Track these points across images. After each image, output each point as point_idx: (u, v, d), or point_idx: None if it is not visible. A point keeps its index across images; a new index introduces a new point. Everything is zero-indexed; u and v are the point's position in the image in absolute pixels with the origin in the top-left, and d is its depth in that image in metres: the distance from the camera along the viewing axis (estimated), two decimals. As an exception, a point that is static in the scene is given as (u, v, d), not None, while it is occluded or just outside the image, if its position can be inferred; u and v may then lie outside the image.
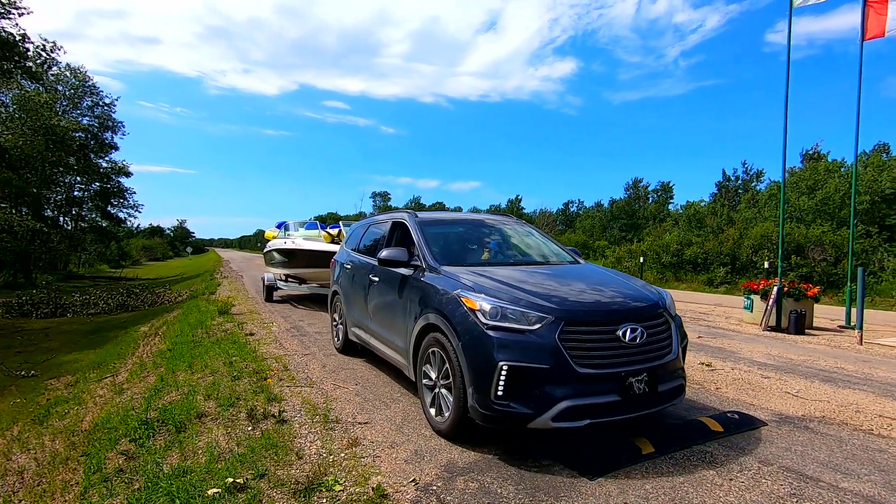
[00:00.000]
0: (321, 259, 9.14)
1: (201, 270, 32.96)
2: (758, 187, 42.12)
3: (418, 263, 4.09)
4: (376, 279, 4.77)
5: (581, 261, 4.76)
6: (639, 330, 3.21)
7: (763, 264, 18.58)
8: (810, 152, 38.29)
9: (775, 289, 8.70)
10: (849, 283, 9.49)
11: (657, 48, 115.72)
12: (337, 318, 6.17)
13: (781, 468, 3.06)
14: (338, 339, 6.11)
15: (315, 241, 10.32)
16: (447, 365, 3.37)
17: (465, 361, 3.17)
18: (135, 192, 39.00)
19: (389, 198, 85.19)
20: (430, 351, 3.63)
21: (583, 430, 3.10)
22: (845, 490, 2.81)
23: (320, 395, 4.46)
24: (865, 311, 8.71)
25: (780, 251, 9.74)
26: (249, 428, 3.72)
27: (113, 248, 50.25)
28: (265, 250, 13.40)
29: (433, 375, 3.62)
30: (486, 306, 3.21)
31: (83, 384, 7.10)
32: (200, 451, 3.35)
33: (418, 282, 3.95)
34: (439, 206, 71.22)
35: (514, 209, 59.07)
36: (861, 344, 7.40)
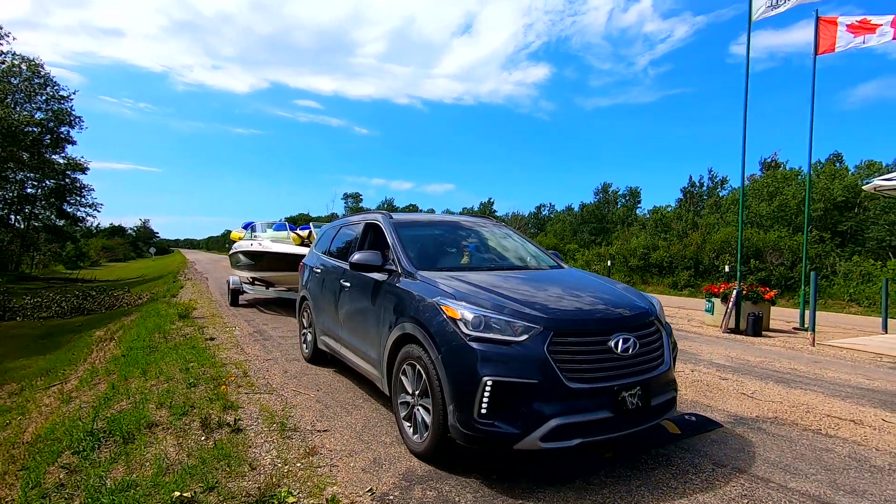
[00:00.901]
0: (290, 262, 8.79)
1: (164, 272, 31.88)
2: (721, 193, 43.58)
3: (393, 268, 3.84)
4: (347, 284, 4.48)
5: (564, 265, 4.52)
6: (631, 340, 2.99)
7: (724, 268, 19.19)
8: (769, 161, 39.90)
9: (735, 292, 8.98)
10: (803, 287, 9.88)
11: (628, 56, 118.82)
12: (306, 326, 5.81)
13: (735, 469, 3.13)
14: (306, 348, 5.78)
15: (283, 244, 9.89)
16: (425, 380, 3.09)
17: (445, 376, 2.90)
18: (93, 190, 37.42)
19: (361, 199, 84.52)
20: (406, 364, 3.35)
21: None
22: (793, 490, 2.89)
23: (279, 402, 4.34)
24: (818, 313, 9.08)
25: (738, 255, 10.07)
26: (202, 438, 3.57)
27: (69, 248, 48.16)
28: (230, 252, 12.91)
29: (410, 390, 3.33)
30: (468, 315, 2.95)
31: (29, 392, 6.72)
32: (148, 464, 3.20)
33: (393, 288, 3.67)
34: (412, 208, 70.99)
35: (486, 212, 59.35)
36: (813, 345, 7.70)
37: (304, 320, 5.89)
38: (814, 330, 7.95)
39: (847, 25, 10.31)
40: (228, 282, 11.22)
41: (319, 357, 5.55)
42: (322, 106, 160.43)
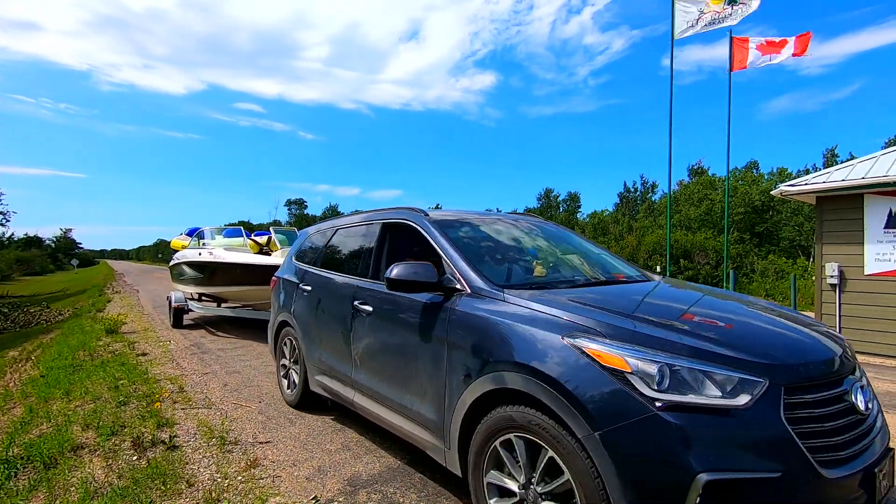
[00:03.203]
0: (249, 275, 7.36)
1: (89, 285, 29.66)
2: (653, 198, 46.24)
3: (455, 285, 2.67)
4: (368, 309, 3.26)
5: (655, 277, 3.41)
6: (868, 389, 2.15)
7: (656, 268, 20.42)
8: (695, 167, 42.81)
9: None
10: (724, 284, 10.72)
11: (569, 67, 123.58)
12: (288, 361, 4.54)
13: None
14: (290, 390, 4.48)
15: (240, 252, 8.34)
16: (564, 473, 1.96)
17: (612, 472, 1.79)
18: (3, 195, 34.25)
19: (306, 206, 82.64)
20: (506, 436, 2.19)
21: None
22: None
23: (219, 417, 4.20)
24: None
25: (668, 255, 10.77)
26: (134, 458, 3.40)
27: (-24, 261, 43.70)
28: (172, 263, 11.06)
29: (521, 479, 2.17)
30: (646, 365, 1.83)
31: (-71, 422, 6.07)
32: (73, 489, 3.01)
33: (466, 316, 2.49)
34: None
35: (433, 218, 59.59)
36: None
37: (284, 352, 4.61)
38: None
39: (757, 45, 11.36)
40: (169, 299, 9.43)
41: (310, 402, 4.28)
42: (264, 110, 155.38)
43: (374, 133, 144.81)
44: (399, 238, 3.56)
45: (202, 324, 9.64)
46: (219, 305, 9.08)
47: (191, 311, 9.23)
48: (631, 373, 1.84)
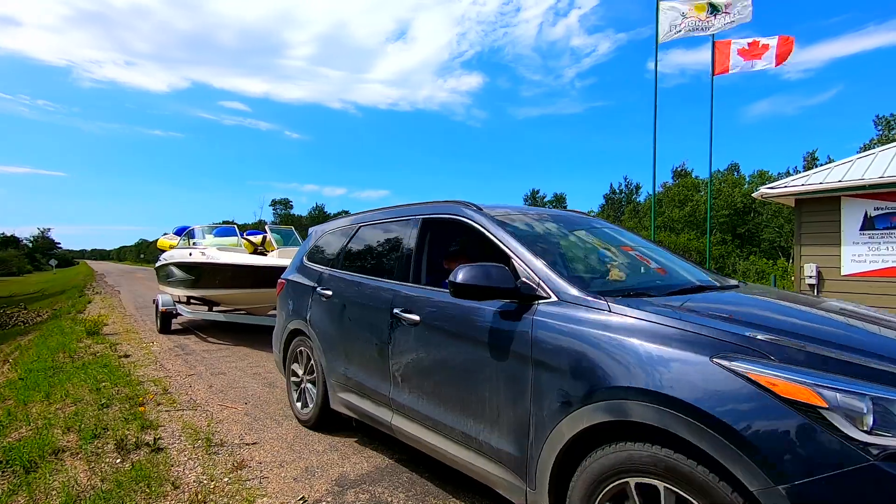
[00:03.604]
0: (247, 276, 6.94)
1: (68, 286, 29.05)
2: (638, 199, 46.81)
3: (539, 292, 2.22)
4: (414, 318, 2.77)
5: (733, 281, 3.02)
6: None
7: (641, 269, 20.68)
8: (679, 169, 43.44)
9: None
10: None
11: (556, 69, 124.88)
12: (300, 374, 4.05)
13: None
14: (307, 407, 3.95)
15: (235, 252, 7.88)
16: None
17: None
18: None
19: (291, 206, 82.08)
20: (624, 481, 1.76)
21: None
22: None
23: (204, 418, 4.16)
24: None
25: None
26: (118, 460, 3.36)
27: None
28: (159, 264, 10.41)
29: None
30: (849, 399, 1.43)
31: None
32: (55, 493, 2.96)
33: (555, 329, 2.06)
34: (345, 215, 69.78)
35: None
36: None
37: (295, 365, 4.12)
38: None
39: (738, 49, 11.57)
40: (156, 302, 8.79)
41: (330, 421, 3.79)
42: (250, 108, 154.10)
43: (361, 133, 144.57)
44: (443, 236, 3.21)
45: (192, 329, 9.15)
46: (210, 309, 8.60)
47: (179, 315, 8.54)
48: (828, 408, 1.42)
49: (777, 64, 11.00)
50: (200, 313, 8.39)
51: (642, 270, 2.99)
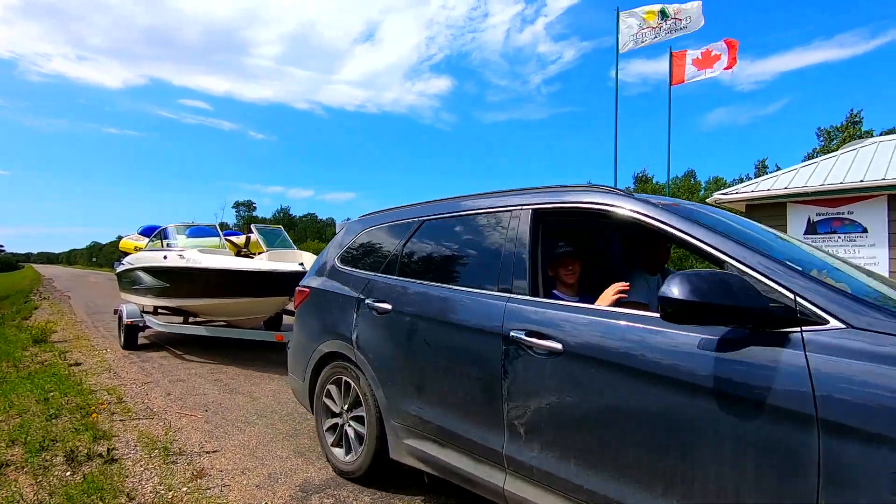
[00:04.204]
0: (237, 284, 6.08)
1: (11, 291, 27.39)
2: (601, 204, 47.99)
3: (810, 316, 1.50)
4: (552, 346, 2.01)
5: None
6: None
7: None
8: (640, 175, 44.93)
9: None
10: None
11: (522, 74, 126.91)
12: (339, 410, 3.17)
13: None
14: (351, 453, 3.04)
15: (222, 255, 6.80)
16: None
17: None
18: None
19: (255, 207, 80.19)
20: None
21: None
22: None
23: (162, 427, 4.03)
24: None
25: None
26: (68, 473, 3.21)
27: None
28: (122, 269, 9.09)
29: None
30: None
31: None
32: (-3, 509, 2.81)
33: (866, 378, 1.34)
34: (311, 218, 68.76)
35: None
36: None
37: (330, 398, 3.23)
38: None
39: (693, 59, 12.11)
40: (120, 313, 7.60)
41: (388, 473, 2.93)
42: (212, 107, 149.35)
43: (328, 134, 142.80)
44: (564, 232, 2.68)
45: (162, 344, 7.93)
46: (186, 321, 7.60)
47: (148, 328, 7.35)
48: None
49: (727, 68, 11.59)
50: (175, 326, 7.21)
51: (845, 280, 1.99)
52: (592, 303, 2.27)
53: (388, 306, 2.84)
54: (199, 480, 3.06)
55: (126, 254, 9.67)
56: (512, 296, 2.26)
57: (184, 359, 6.77)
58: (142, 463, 3.33)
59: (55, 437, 3.81)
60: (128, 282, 8.69)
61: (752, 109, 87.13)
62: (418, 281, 2.81)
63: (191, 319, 7.62)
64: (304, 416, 4.32)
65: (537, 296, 2.24)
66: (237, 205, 79.12)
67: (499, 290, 2.33)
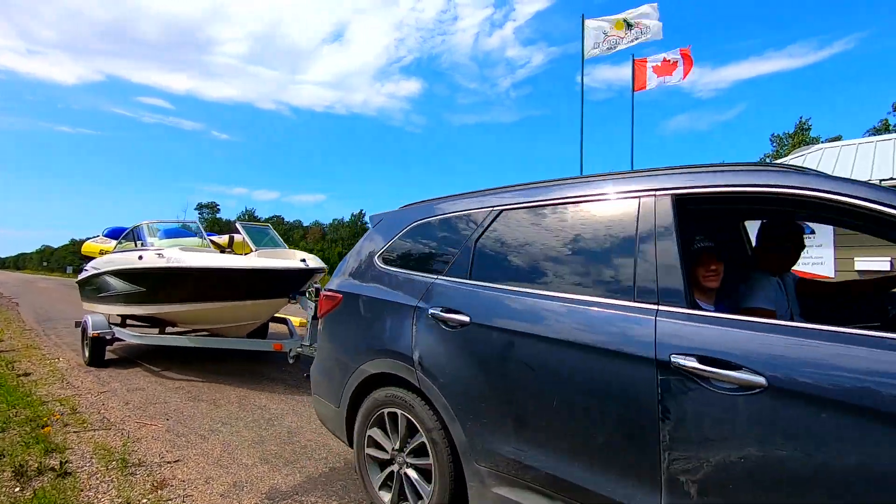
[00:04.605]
0: (229, 286, 5.43)
1: (-46, 298, 25.76)
2: (568, 206, 49.07)
3: None
4: (754, 381, 1.46)
5: None
6: None
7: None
8: (605, 178, 46.20)
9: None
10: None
11: (492, 78, 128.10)
12: (391, 448, 2.52)
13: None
14: (408, 502, 2.43)
15: (210, 254, 6.04)
16: None
17: None
18: None
19: (218, 209, 77.89)
20: None
21: None
22: None
23: (119, 438, 3.88)
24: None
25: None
26: (17, 489, 3.05)
27: None
28: (85, 275, 8.01)
29: None
30: None
31: None
32: (-62, 529, 2.65)
33: None
34: (278, 220, 67.30)
35: (357, 224, 58.82)
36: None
37: (379, 432, 2.59)
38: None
39: (653, 66, 12.53)
40: (84, 325, 6.69)
41: None
42: (172, 106, 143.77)
43: (295, 135, 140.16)
44: (718, 224, 2.30)
45: (133, 359, 6.98)
46: (162, 331, 6.99)
47: (117, 340, 6.53)
48: None
49: (684, 76, 12.07)
50: (153, 338, 6.44)
51: None
52: (736, 313, 1.77)
53: (465, 318, 2.23)
54: (159, 492, 2.96)
55: (89, 258, 8.59)
56: (661, 308, 1.72)
57: (143, 367, 6.52)
58: (98, 476, 3.20)
59: (2, 451, 3.61)
60: (92, 289, 7.65)
61: (712, 115, 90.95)
62: (507, 286, 2.20)
63: (168, 329, 7.01)
64: (269, 422, 4.24)
65: (682, 306, 1.70)
66: (200, 207, 76.71)
67: (637, 301, 1.79)
